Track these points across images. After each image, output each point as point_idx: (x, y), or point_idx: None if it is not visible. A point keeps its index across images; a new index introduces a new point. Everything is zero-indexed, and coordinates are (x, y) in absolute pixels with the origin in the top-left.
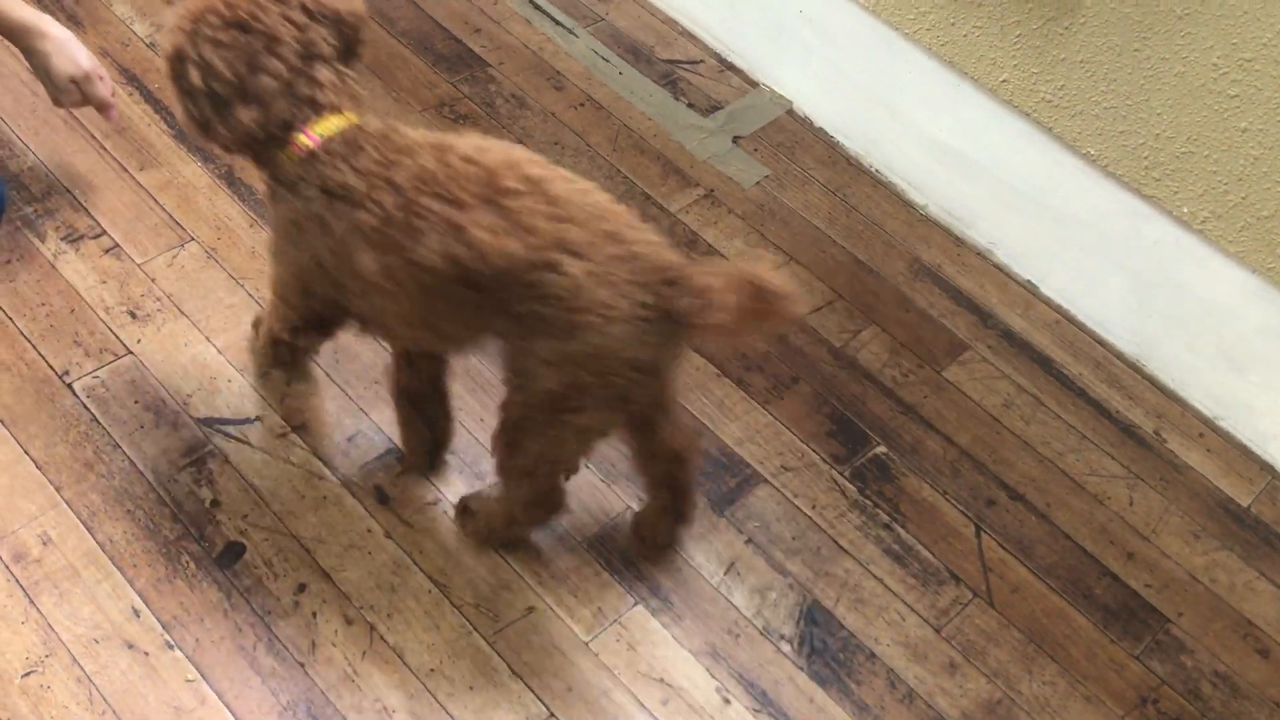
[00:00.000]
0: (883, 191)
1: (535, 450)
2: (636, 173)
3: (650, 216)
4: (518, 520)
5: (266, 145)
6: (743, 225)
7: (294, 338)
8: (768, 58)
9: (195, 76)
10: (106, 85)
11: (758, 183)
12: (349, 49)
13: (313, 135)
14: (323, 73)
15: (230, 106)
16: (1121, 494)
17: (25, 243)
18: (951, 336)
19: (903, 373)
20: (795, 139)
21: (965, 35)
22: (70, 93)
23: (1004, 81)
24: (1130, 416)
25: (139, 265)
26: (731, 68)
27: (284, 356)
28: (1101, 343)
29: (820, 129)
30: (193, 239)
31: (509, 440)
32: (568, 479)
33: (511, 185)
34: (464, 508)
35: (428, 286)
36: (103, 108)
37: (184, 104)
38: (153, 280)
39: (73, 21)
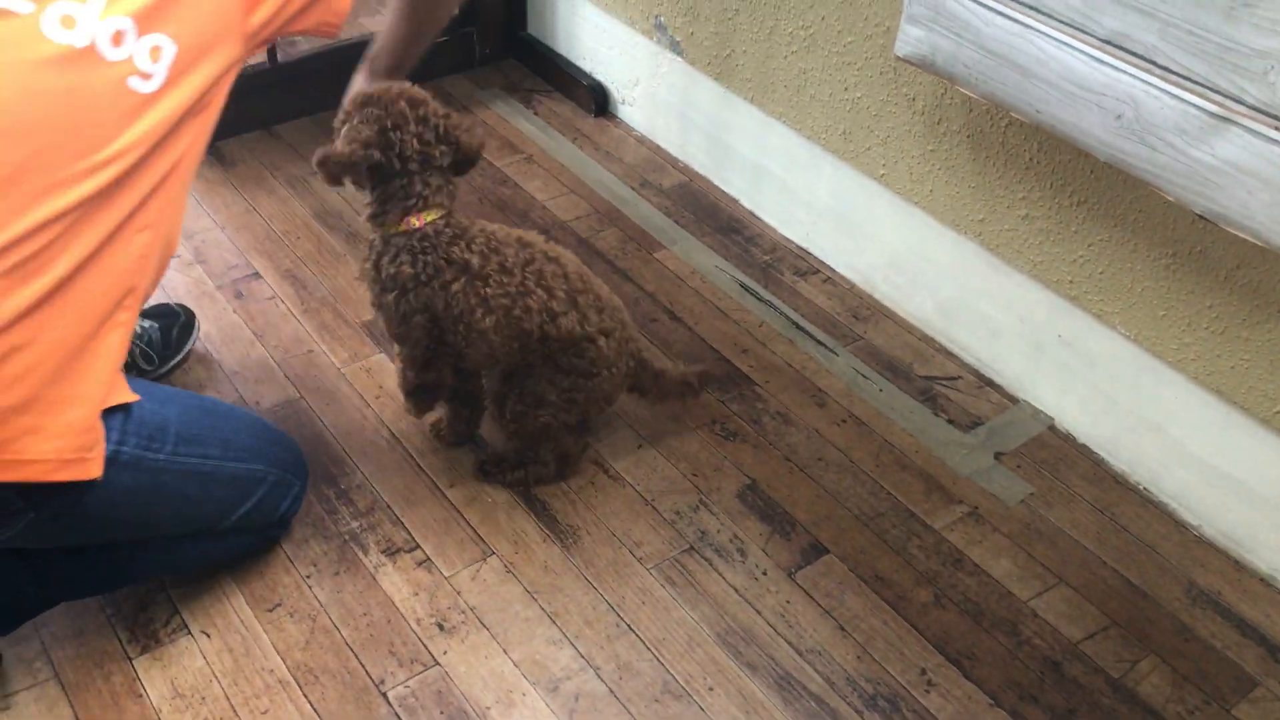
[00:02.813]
0: (1153, 511)
1: (531, 427)
2: (899, 489)
3: (914, 534)
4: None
5: (384, 213)
6: (1009, 544)
7: (420, 375)
8: (1027, 375)
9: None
10: None
11: (1022, 500)
12: (462, 165)
13: (421, 218)
14: (433, 179)
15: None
16: None
17: (352, 555)
18: (1239, 670)
19: (1188, 709)
20: (1059, 455)
21: (1233, 367)
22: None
23: (1278, 413)
24: None
25: (447, 578)
26: (990, 384)
27: (423, 400)
28: None
29: (1084, 445)
30: (494, 553)
31: (517, 425)
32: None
33: (579, 286)
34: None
35: (516, 338)
36: None
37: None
38: (458, 593)
39: None
